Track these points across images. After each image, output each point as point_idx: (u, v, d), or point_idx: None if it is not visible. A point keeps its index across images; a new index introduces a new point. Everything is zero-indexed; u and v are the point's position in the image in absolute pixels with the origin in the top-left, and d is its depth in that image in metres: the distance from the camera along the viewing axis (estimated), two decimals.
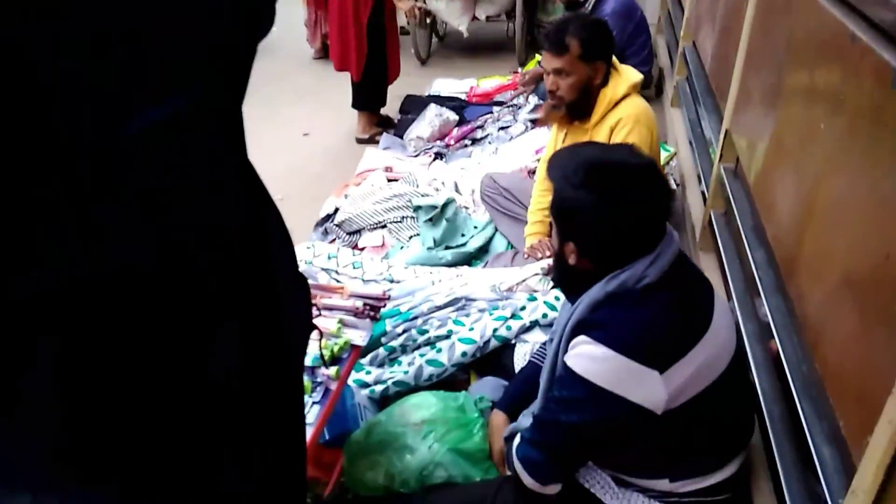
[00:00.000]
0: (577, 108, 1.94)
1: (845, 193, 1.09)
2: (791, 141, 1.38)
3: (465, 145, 3.27)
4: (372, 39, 3.44)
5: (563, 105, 1.94)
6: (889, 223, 0.92)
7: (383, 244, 2.37)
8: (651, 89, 3.74)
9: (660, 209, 1.16)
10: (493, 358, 1.71)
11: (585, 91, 1.91)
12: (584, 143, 1.38)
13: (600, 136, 1.92)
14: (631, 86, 1.93)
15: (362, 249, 2.37)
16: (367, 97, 3.65)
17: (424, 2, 4.91)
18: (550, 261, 1.84)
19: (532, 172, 2.56)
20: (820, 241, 1.18)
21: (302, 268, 2.05)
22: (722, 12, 2.18)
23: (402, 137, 3.45)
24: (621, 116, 1.89)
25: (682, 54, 3.07)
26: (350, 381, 1.64)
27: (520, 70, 4.26)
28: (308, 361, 1.30)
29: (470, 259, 2.26)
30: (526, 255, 2.06)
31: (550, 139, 2.19)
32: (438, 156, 3.18)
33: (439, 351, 1.67)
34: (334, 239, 2.49)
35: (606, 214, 1.12)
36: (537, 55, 4.45)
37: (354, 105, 3.67)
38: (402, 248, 2.33)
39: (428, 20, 5.09)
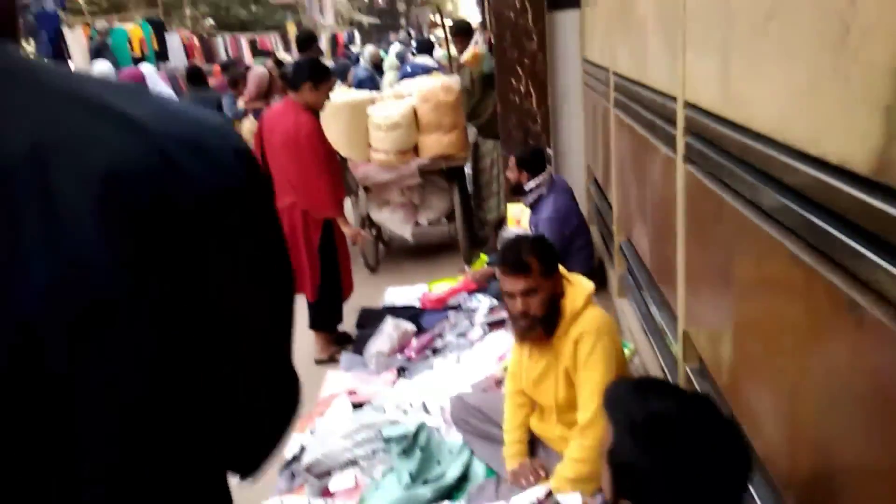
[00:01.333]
0: (550, 320, 1.96)
1: (837, 406, 1.07)
2: (755, 348, 1.40)
3: (427, 356, 3.24)
4: (324, 259, 3.53)
5: (537, 323, 1.96)
6: None
7: (356, 485, 2.21)
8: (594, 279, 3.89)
9: (740, 483, 1.05)
10: None
11: (553, 303, 1.95)
12: (653, 383, 1.25)
13: (565, 349, 1.93)
14: (587, 296, 1.99)
15: (333, 495, 2.20)
16: (324, 316, 3.66)
17: (368, 216, 5.19)
18: (540, 491, 1.74)
19: (500, 382, 2.53)
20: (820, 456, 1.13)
21: None
22: (652, 217, 2.33)
23: (361, 354, 3.41)
24: (583, 330, 1.92)
25: (620, 249, 3.25)
26: None
27: (467, 269, 4.42)
28: None
29: (451, 492, 2.12)
30: (510, 483, 1.95)
31: (514, 354, 2.19)
32: (401, 370, 3.14)
33: None
34: (302, 483, 2.31)
35: (680, 487, 1.00)
36: (482, 254, 4.66)
37: (311, 326, 3.66)
38: (376, 488, 2.17)
39: (374, 231, 5.34)
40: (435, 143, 4.89)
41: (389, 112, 4.77)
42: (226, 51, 11.38)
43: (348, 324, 3.87)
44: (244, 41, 12.20)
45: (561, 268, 2.05)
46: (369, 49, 8.28)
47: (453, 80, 4.99)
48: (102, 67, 6.12)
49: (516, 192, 3.80)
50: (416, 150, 4.95)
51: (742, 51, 1.33)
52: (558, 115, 4.25)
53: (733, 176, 1.45)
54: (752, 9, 1.23)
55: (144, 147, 0.51)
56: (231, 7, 14.88)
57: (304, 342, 3.76)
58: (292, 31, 13.28)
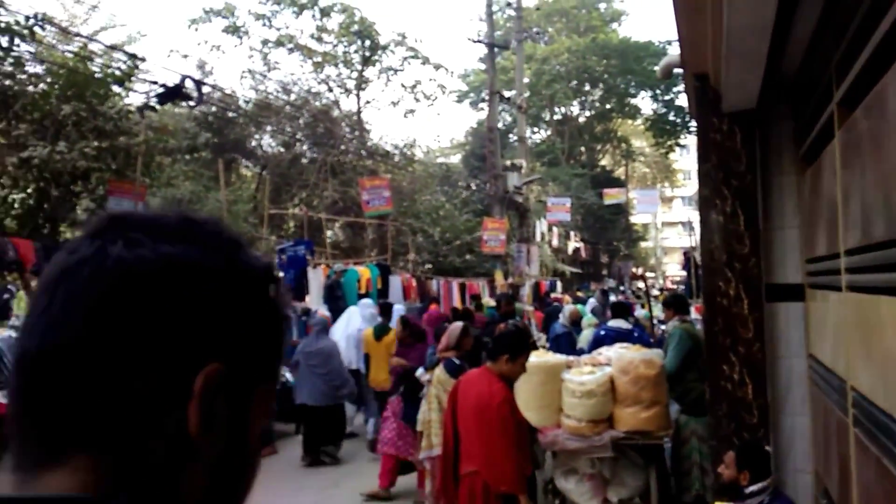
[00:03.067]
0: None
1: None
2: None
3: None
4: None
5: None
6: None
7: None
8: None
9: None
10: None
11: None
12: None
13: None
14: None
15: None
16: None
17: (552, 481, 4.85)
18: None
19: None
20: None
21: None
22: None
23: None
24: None
25: None
26: None
27: None
28: None
29: None
30: None
31: None
32: None
33: None
34: None
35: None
36: None
37: None
38: None
39: (557, 501, 4.93)
40: (631, 417, 4.59)
41: (585, 379, 4.65)
42: (437, 292, 12.45)
43: None
44: (455, 284, 13.31)
45: None
46: (568, 307, 8.49)
47: (656, 354, 4.79)
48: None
49: (729, 494, 3.29)
50: (611, 420, 4.68)
51: None
52: (779, 410, 3.78)
53: None
54: None
55: None
56: (448, 255, 16.63)
57: None
58: (499, 278, 14.27)
